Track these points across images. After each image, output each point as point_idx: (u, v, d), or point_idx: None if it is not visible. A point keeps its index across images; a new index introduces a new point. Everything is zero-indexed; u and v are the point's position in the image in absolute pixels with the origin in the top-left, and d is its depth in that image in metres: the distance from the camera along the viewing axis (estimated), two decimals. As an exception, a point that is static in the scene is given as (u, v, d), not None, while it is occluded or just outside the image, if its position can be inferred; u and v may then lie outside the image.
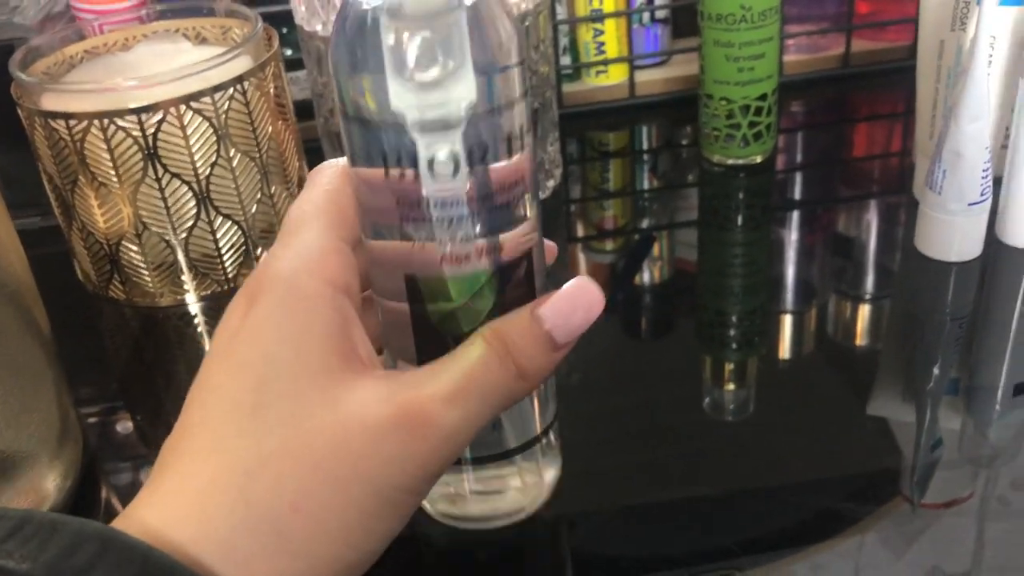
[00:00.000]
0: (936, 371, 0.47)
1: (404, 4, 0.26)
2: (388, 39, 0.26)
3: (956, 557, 0.37)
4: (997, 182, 0.50)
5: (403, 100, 0.27)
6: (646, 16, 0.71)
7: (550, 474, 0.36)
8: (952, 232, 0.50)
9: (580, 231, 0.64)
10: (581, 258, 0.61)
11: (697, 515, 0.40)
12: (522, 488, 0.35)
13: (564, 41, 0.72)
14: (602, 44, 0.71)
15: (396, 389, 0.26)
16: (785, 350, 0.51)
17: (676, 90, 0.73)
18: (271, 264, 0.28)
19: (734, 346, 0.51)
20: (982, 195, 0.49)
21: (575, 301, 0.29)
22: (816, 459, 0.42)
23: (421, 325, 0.30)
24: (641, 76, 0.72)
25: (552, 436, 0.36)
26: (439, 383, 0.27)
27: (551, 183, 0.62)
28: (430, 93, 0.27)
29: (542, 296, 0.29)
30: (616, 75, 0.72)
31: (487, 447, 0.33)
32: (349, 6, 0.27)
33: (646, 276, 0.59)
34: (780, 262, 0.57)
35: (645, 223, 0.64)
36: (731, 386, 0.49)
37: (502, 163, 0.28)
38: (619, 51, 0.71)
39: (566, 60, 0.72)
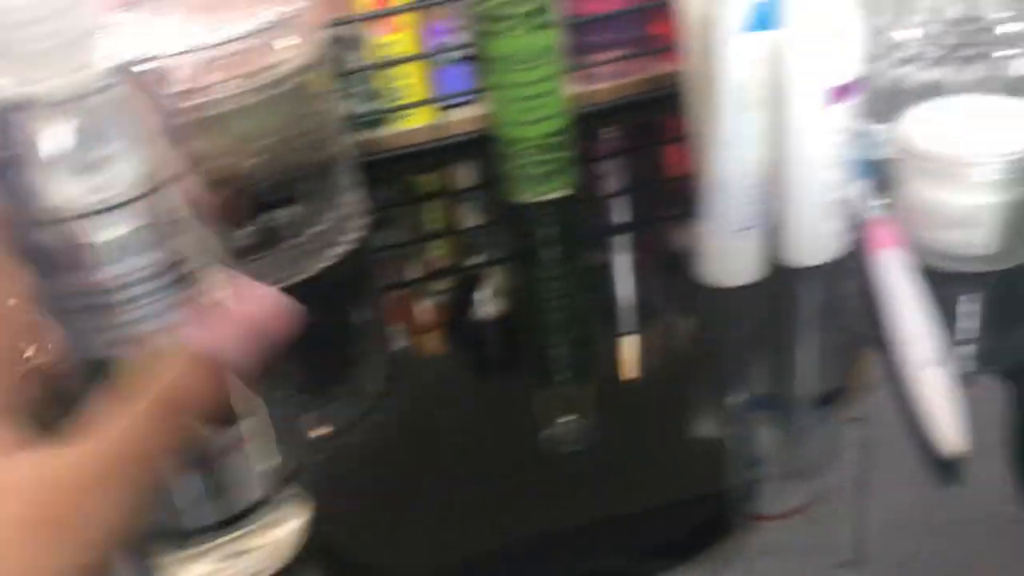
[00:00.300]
0: (741, 391, 0.48)
1: (44, 93, 0.25)
2: (33, 131, 0.26)
3: (790, 567, 0.37)
4: (775, 202, 0.51)
5: (62, 189, 0.26)
6: (447, 56, 0.71)
7: (288, 529, 0.36)
8: (731, 257, 0.51)
9: (396, 277, 0.63)
10: (399, 304, 0.60)
11: (537, 550, 0.40)
12: (260, 548, 0.36)
13: (364, 87, 0.71)
14: (403, 88, 0.70)
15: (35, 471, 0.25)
16: (603, 379, 0.51)
17: (487, 127, 0.72)
18: None
19: (559, 378, 0.52)
20: (752, 219, 0.49)
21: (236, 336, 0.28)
22: (648, 485, 0.42)
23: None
24: (450, 116, 0.72)
25: (288, 491, 0.36)
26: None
27: (352, 235, 0.61)
28: (87, 179, 0.26)
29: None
30: (422, 117, 0.72)
31: (213, 515, 0.34)
32: None
33: (467, 316, 0.58)
34: (591, 294, 0.57)
35: (461, 264, 0.64)
36: (559, 418, 0.48)
37: (170, 239, 0.28)
38: (422, 93, 0.71)
39: (370, 107, 0.71)
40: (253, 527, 0.35)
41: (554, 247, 0.62)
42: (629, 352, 0.53)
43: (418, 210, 0.70)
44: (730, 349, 0.51)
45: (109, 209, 0.27)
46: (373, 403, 0.52)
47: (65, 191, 0.26)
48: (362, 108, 0.70)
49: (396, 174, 0.71)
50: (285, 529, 0.37)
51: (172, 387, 0.27)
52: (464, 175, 0.72)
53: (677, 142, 0.74)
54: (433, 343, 0.57)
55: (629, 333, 0.54)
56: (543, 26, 0.56)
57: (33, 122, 0.26)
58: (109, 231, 0.27)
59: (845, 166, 0.50)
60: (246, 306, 0.28)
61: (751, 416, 0.46)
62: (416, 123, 0.72)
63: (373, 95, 0.71)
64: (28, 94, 0.26)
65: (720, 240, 0.50)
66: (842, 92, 0.48)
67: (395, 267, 0.64)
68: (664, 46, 0.74)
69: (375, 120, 0.72)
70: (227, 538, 0.35)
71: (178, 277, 0.29)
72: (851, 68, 0.48)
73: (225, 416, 0.32)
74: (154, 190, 0.28)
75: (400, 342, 0.58)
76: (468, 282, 0.62)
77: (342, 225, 0.61)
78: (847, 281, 0.51)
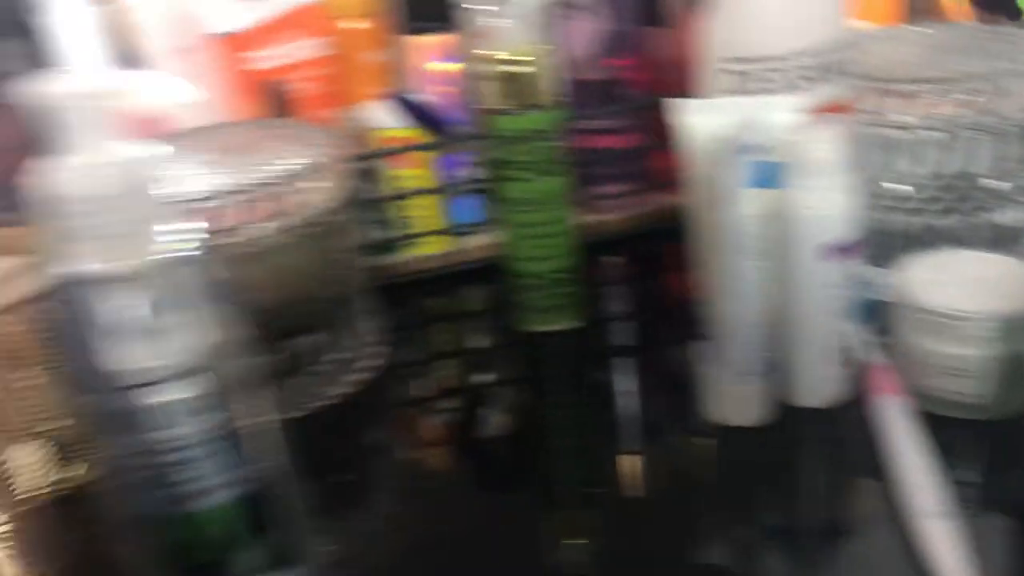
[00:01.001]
0: (748, 528, 0.49)
1: (119, 270, 0.28)
2: (108, 304, 0.28)
3: None
4: (780, 347, 0.53)
5: (130, 357, 0.28)
6: (460, 188, 0.74)
7: None
8: (738, 400, 0.52)
9: (412, 394, 0.64)
10: (413, 420, 0.61)
11: None
12: None
13: (382, 216, 0.74)
14: (419, 218, 0.73)
15: None
16: (609, 503, 0.52)
17: (495, 255, 0.75)
18: None
19: (564, 502, 0.53)
20: (759, 365, 0.51)
21: None
22: None
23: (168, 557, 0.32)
24: (461, 244, 0.75)
25: None
26: None
27: (370, 361, 0.63)
28: (152, 347, 0.28)
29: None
30: (435, 245, 0.74)
31: None
32: (65, 278, 0.29)
33: (477, 435, 0.60)
34: (597, 418, 0.59)
35: (470, 384, 0.66)
36: (566, 540, 0.50)
37: (232, 403, 0.30)
38: (435, 223, 0.73)
39: (387, 234, 0.74)
40: None
41: (561, 373, 0.64)
42: (636, 477, 0.54)
43: (429, 332, 0.72)
44: (736, 482, 0.52)
45: (170, 376, 0.29)
46: (384, 523, 0.53)
47: (132, 358, 0.29)
48: (377, 235, 0.73)
49: (407, 298, 0.74)
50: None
51: None
52: (474, 299, 0.75)
53: (679, 272, 0.77)
54: (443, 460, 0.59)
55: (636, 458, 0.55)
56: (552, 173, 0.59)
57: (107, 295, 0.28)
58: (169, 396, 0.29)
59: (846, 314, 0.52)
60: None
61: (758, 546, 0.47)
62: (429, 250, 0.74)
63: (387, 223, 0.74)
64: (103, 271, 0.28)
65: (726, 382, 0.52)
66: (842, 249, 0.50)
67: (407, 387, 0.66)
68: (666, 181, 0.77)
69: (389, 246, 0.74)
70: None
71: (232, 438, 0.31)
72: (850, 227, 0.50)
73: None
74: (213, 359, 0.30)
75: (412, 460, 0.59)
76: (477, 402, 0.63)
77: (361, 351, 0.63)
78: (849, 424, 0.53)
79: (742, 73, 0.56)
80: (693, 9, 0.65)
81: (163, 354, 0.29)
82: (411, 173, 0.71)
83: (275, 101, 0.70)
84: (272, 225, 0.54)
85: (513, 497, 0.54)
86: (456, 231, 0.75)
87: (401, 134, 0.70)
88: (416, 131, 0.70)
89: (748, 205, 0.50)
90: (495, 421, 0.61)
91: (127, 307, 0.28)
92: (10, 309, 0.50)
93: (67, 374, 0.30)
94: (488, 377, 0.66)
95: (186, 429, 0.30)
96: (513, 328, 0.68)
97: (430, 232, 0.74)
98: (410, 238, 0.74)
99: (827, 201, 0.50)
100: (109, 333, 0.28)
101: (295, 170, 0.55)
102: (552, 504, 0.53)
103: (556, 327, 0.65)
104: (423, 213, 0.73)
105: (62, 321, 0.29)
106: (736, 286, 0.50)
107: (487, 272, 0.75)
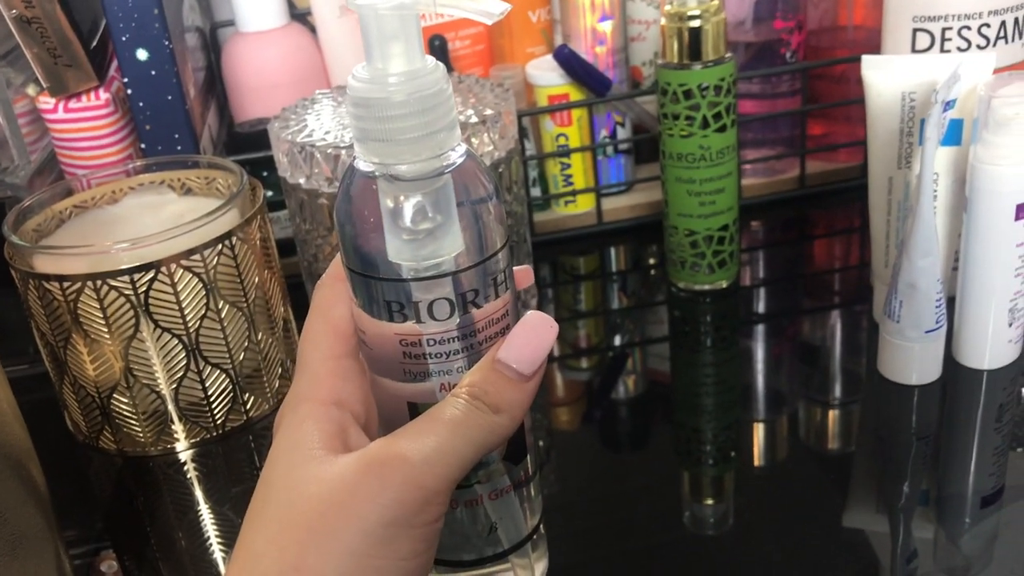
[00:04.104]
0: (906, 486, 0.49)
1: (400, 171, 0.30)
2: (386, 201, 0.30)
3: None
4: (951, 302, 0.53)
5: (399, 253, 0.30)
6: (610, 148, 0.75)
7: (541, 567, 0.39)
8: (911, 358, 0.53)
9: (556, 351, 0.66)
10: (558, 376, 0.63)
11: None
12: None
13: (534, 173, 0.75)
14: (569, 176, 0.74)
15: (369, 448, 0.30)
16: (759, 466, 0.53)
17: (640, 215, 0.76)
18: (287, 398, 0.33)
19: (710, 461, 0.54)
20: (937, 323, 0.52)
21: (530, 335, 0.32)
22: (795, 572, 0.44)
23: None
24: (607, 204, 0.76)
25: (540, 530, 0.38)
26: (405, 430, 0.31)
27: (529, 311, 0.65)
28: (422, 247, 0.30)
29: (499, 340, 0.32)
30: (584, 204, 0.76)
31: (486, 548, 0.36)
32: (353, 171, 0.31)
33: (621, 394, 0.61)
34: (749, 383, 0.60)
35: (617, 342, 0.67)
36: (709, 500, 0.51)
37: (490, 302, 0.32)
38: (585, 182, 0.75)
39: (536, 191, 0.76)
40: (508, 565, 0.37)
41: (709, 332, 0.65)
42: (781, 443, 0.55)
43: (575, 289, 0.74)
44: (894, 443, 0.53)
45: (438, 275, 0.31)
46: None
47: (405, 254, 0.30)
48: (531, 191, 0.75)
49: (556, 255, 0.75)
50: (534, 570, 0.38)
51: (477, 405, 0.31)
52: (618, 259, 0.76)
53: (827, 237, 0.77)
54: (582, 418, 0.60)
55: (782, 426, 0.56)
56: (724, 128, 0.60)
57: (392, 194, 0.30)
58: (436, 292, 0.31)
59: (1025, 275, 0.52)
60: (530, 326, 0.32)
61: (910, 511, 0.47)
62: (577, 209, 0.75)
63: (540, 179, 0.75)
64: (392, 171, 0.30)
65: (903, 341, 0.52)
66: (1029, 207, 0.50)
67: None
68: (817, 147, 0.77)
69: (540, 204, 0.76)
70: (485, 572, 0.37)
71: (492, 334, 0.32)
72: (1039, 185, 0.50)
73: (520, 449, 0.35)
74: (476, 259, 0.31)
75: (549, 416, 0.60)
76: (618, 360, 0.64)
77: (520, 302, 0.64)
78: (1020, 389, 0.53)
79: (932, 31, 0.56)
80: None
81: (428, 255, 0.31)
82: (565, 131, 0.72)
83: (438, 56, 0.72)
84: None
85: (649, 456, 0.55)
86: (606, 189, 0.76)
87: (559, 91, 0.71)
88: (573, 88, 0.71)
89: (937, 162, 0.50)
90: (633, 380, 0.62)
91: (408, 206, 0.30)
92: (211, 244, 0.53)
93: (346, 266, 0.32)
94: (630, 336, 0.67)
95: (443, 327, 0.31)
96: (662, 285, 0.69)
97: (580, 190, 0.75)
98: (560, 196, 0.75)
99: (1015, 159, 0.49)
100: (392, 229, 0.30)
101: (463, 122, 0.56)
102: (691, 463, 0.54)
103: (707, 286, 0.65)
104: (574, 172, 0.74)
105: (349, 213, 0.31)
106: (922, 243, 0.50)
107: (629, 233, 0.76)
